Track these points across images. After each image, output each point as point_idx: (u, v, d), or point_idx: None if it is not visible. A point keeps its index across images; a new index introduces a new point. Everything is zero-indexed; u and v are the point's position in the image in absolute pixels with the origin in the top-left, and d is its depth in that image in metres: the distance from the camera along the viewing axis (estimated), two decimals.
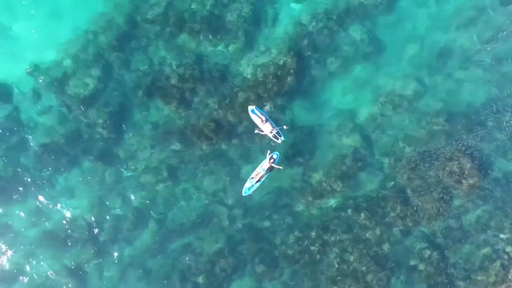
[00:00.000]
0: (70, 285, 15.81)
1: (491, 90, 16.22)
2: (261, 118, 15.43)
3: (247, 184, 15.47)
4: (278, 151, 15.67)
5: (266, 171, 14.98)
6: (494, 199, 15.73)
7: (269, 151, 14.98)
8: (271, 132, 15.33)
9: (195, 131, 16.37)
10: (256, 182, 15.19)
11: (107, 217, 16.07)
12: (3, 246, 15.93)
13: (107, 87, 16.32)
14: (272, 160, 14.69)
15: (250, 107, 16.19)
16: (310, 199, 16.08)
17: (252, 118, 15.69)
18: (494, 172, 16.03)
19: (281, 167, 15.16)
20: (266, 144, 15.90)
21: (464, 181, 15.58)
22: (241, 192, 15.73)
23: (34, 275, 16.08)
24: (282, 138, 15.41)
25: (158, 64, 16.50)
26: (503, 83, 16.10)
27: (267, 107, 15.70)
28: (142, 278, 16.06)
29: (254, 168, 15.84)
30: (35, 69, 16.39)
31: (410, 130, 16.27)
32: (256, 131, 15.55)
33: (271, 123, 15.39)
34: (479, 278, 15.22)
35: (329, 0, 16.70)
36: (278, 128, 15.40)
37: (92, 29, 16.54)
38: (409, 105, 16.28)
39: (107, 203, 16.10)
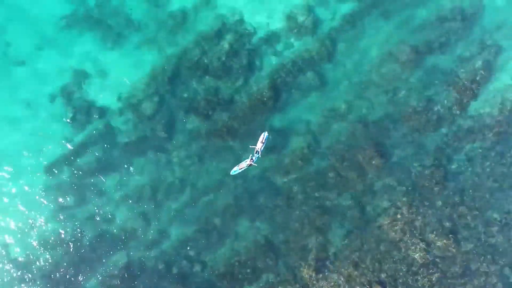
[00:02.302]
0: (138, 227, 23.15)
1: (390, 108, 24.16)
2: (262, 141, 23.38)
3: (234, 168, 23.66)
4: (257, 155, 23.48)
5: (247, 165, 23.08)
6: (392, 174, 23.54)
7: (251, 155, 22.86)
8: (257, 151, 23.13)
9: (214, 134, 24.44)
10: (240, 169, 23.23)
11: (162, 185, 23.65)
12: (101, 204, 23.27)
13: (162, 107, 24.51)
14: (252, 160, 22.78)
15: (265, 132, 23.51)
16: (282, 174, 23.85)
17: (260, 137, 23.33)
18: (392, 157, 23.71)
19: (256, 165, 23.15)
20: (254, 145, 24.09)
21: (373, 162, 23.55)
22: (233, 170, 23.59)
23: (118, 222, 23.34)
24: (258, 156, 22.80)
25: (192, 94, 24.54)
26: (396, 104, 24.30)
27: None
28: (183, 223, 23.64)
29: (245, 159, 23.29)
30: (120, 97, 24.29)
31: (342, 133, 24.10)
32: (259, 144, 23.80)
33: (262, 146, 23.07)
34: (383, 222, 22.70)
35: (293, 56, 24.61)
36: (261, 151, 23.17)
37: (153, 72, 24.68)
38: (342, 117, 24.23)
39: (162, 176, 23.69)
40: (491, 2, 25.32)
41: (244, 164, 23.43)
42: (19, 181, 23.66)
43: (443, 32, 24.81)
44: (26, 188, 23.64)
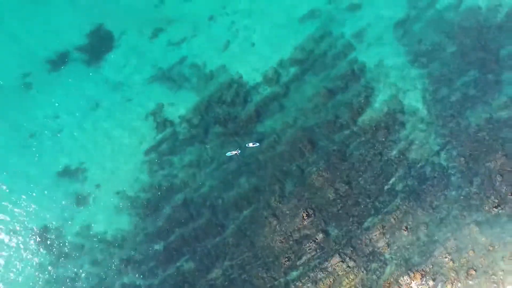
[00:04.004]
0: (190, 180, 41.40)
1: (316, 120, 44.46)
2: (253, 144, 40.33)
3: (228, 153, 40.20)
4: (240, 150, 40.46)
5: (235, 153, 40.05)
6: (317, 154, 40.28)
7: (238, 150, 40.58)
8: (248, 146, 40.34)
9: (227, 134, 41.17)
10: (231, 154, 40.06)
11: (202, 160, 40.74)
12: (170, 170, 41.39)
13: (202, 121, 41.62)
14: (237, 151, 40.07)
15: (258, 143, 40.48)
16: (262, 154, 40.50)
17: (252, 143, 40.51)
18: (318, 145, 40.39)
19: (239, 154, 40.41)
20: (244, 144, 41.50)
21: (307, 148, 40.60)
22: (228, 152, 40.43)
23: (179, 178, 41.45)
24: (243, 148, 40.47)
25: (217, 114, 41.71)
26: (319, 118, 44.30)
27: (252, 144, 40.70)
28: (212, 179, 40.26)
29: (242, 147, 40.99)
30: (180, 116, 42.16)
31: (291, 133, 40.64)
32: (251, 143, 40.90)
33: (251, 145, 40.50)
34: (313, 177, 41.95)
35: (266, 94, 41.78)
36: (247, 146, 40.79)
37: (197, 103, 42.14)
38: (291, 125, 40.86)
39: (202, 156, 40.90)
40: (370, 64, 42.63)
41: (234, 152, 40.64)
42: (131, 157, 41.90)
43: (344, 81, 42.05)
44: (134, 162, 41.81)
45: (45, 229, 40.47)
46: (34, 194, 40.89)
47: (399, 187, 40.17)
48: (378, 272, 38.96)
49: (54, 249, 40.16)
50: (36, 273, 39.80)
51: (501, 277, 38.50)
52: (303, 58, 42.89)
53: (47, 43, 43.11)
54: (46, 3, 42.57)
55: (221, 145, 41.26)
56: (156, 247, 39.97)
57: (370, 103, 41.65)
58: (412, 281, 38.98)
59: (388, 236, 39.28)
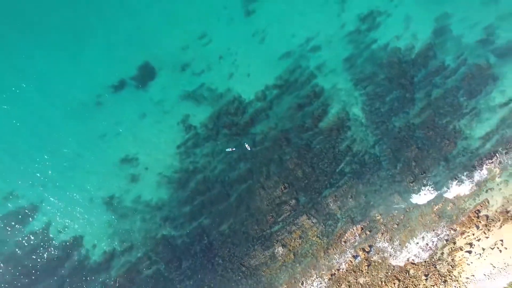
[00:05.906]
0: (208, 164, 60.35)
1: (290, 124, 62.37)
2: (247, 147, 56.00)
3: (227, 149, 55.21)
4: (235, 148, 56.00)
5: (232, 150, 54.70)
6: (291, 147, 59.04)
7: (233, 147, 55.82)
8: (245, 145, 57.03)
9: (232, 135, 57.57)
10: (230, 150, 54.62)
11: (216, 150, 59.60)
12: (193, 158, 59.90)
13: (214, 126, 57.05)
14: (233, 149, 54.66)
15: (250, 148, 55.38)
16: (254, 147, 61.03)
17: (248, 146, 56.05)
18: (291, 142, 56.57)
19: (234, 150, 56.56)
20: (243, 143, 59.50)
21: (284, 143, 59.18)
22: (227, 149, 55.95)
23: (200, 163, 58.48)
24: (243, 146, 57.20)
25: (224, 122, 57.12)
26: (292, 124, 61.95)
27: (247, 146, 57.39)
28: (222, 163, 56.93)
29: (241, 144, 58.18)
30: (200, 122, 58.31)
31: (273, 134, 57.11)
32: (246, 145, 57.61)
33: (246, 146, 56.03)
34: (289, 163, 60.23)
35: (257, 107, 61.54)
36: (242, 146, 57.03)
37: (211, 114, 59.10)
38: (274, 128, 58.12)
39: (216, 148, 60.03)
40: (326, 87, 58.68)
41: (231, 149, 56.49)
42: (167, 150, 58.54)
43: (309, 99, 58.30)
44: (169, 153, 58.40)
45: (111, 198, 58.42)
46: (103, 176, 59.04)
47: (347, 169, 57.38)
48: (332, 226, 56.25)
49: (116, 211, 58.24)
50: (104, 227, 57.88)
51: (414, 228, 55.77)
52: (282, 84, 57.72)
53: (111, 74, 59.47)
54: (113, 50, 61.41)
55: (227, 141, 59.05)
56: (185, 209, 56.41)
57: (327, 113, 58.77)
58: (355, 232, 56.37)
59: (339, 202, 56.57)
